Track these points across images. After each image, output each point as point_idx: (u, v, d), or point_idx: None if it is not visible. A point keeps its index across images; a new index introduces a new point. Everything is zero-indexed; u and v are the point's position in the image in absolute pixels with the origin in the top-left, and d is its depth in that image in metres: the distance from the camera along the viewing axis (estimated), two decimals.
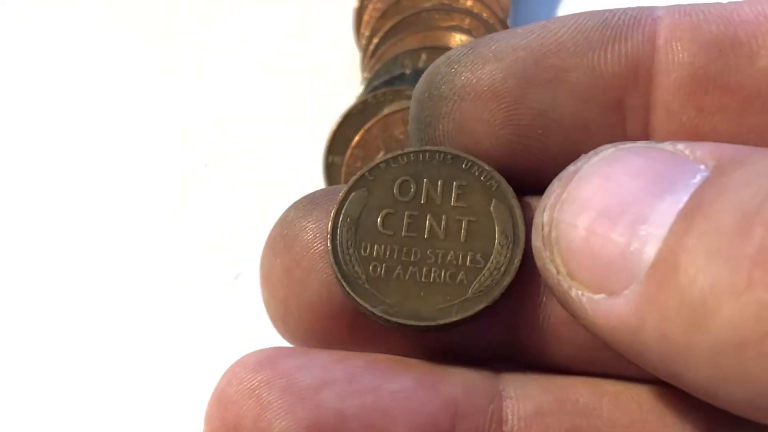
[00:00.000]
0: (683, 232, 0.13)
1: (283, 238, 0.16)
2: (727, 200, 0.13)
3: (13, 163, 0.38)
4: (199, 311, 0.33)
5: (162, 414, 0.32)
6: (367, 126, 0.33)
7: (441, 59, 0.17)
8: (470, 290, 0.16)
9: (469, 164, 0.17)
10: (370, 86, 0.35)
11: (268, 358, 0.15)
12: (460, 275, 0.16)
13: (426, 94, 0.17)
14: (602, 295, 0.14)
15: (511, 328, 0.16)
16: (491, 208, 0.16)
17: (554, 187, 0.15)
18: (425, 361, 0.16)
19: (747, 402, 0.12)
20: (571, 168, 0.15)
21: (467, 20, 0.36)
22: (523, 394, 0.16)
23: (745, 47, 0.16)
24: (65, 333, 0.34)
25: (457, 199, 0.17)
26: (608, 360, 0.16)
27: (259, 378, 0.15)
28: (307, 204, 0.17)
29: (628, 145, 0.15)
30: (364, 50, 0.36)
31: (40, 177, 0.37)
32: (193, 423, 0.31)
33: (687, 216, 0.13)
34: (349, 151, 0.33)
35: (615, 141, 0.16)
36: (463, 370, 0.16)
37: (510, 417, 0.16)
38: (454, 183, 0.17)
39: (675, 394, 0.15)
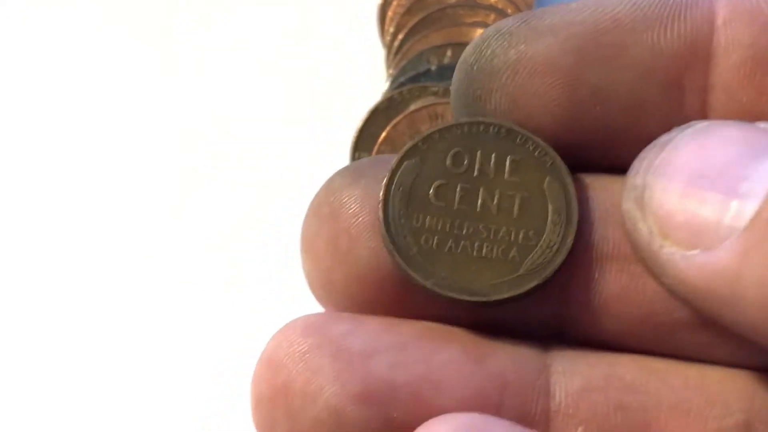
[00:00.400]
0: None
1: (329, 206, 0.16)
2: None
3: (14, 161, 0.38)
4: (216, 308, 0.34)
5: (163, 409, 0.32)
6: (393, 122, 0.34)
7: (489, 31, 0.16)
8: (522, 267, 0.16)
9: (524, 139, 0.16)
10: (396, 83, 0.35)
11: (317, 322, 0.15)
12: (513, 252, 0.16)
13: (475, 67, 0.16)
14: (697, 251, 0.14)
15: (562, 303, 0.16)
16: (545, 185, 0.16)
17: (647, 153, 0.15)
18: (474, 333, 0.16)
19: None
20: (663, 137, 0.15)
21: (492, 16, 0.37)
22: (570, 370, 0.16)
23: None
24: (70, 325, 0.34)
25: (510, 173, 0.16)
26: (659, 338, 0.16)
27: (310, 342, 0.15)
28: (354, 171, 0.17)
29: (720, 121, 0.15)
30: (388, 47, 0.36)
31: (41, 177, 0.37)
32: (196, 422, 0.31)
33: None
34: (375, 148, 0.34)
35: (672, 120, 0.16)
36: (512, 344, 0.16)
37: (557, 392, 0.16)
38: (508, 157, 0.16)
39: (720, 374, 0.16)
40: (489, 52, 0.16)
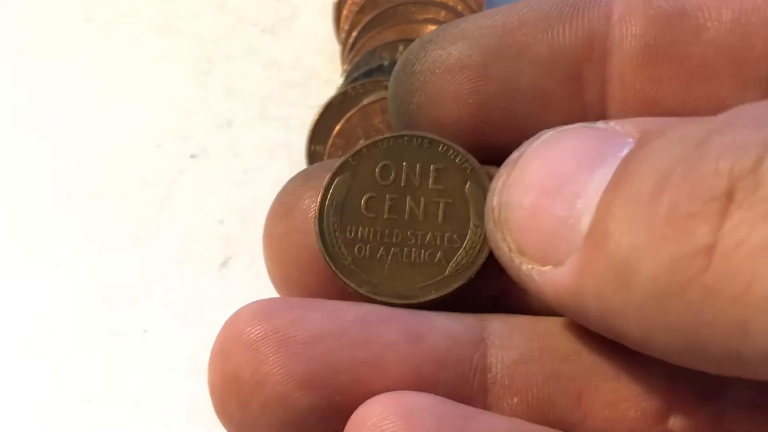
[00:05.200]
0: (610, 201, 0.14)
1: (282, 206, 0.18)
2: (646, 167, 0.14)
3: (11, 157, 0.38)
4: (190, 296, 0.34)
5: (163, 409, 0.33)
6: (347, 116, 0.34)
7: (416, 41, 0.18)
8: (448, 269, 0.17)
9: (445, 148, 0.17)
10: (350, 78, 0.36)
11: (265, 310, 0.16)
12: (439, 255, 0.17)
13: (401, 72, 0.18)
14: (549, 267, 0.15)
15: (496, 278, 0.17)
16: (466, 190, 0.17)
17: (501, 173, 0.16)
18: (413, 313, 0.17)
19: (677, 349, 0.13)
20: (514, 154, 0.16)
21: (442, 13, 0.37)
22: (507, 343, 0.16)
23: (692, 20, 0.16)
24: (53, 320, 0.34)
25: (435, 181, 0.17)
26: None
27: (256, 332, 0.16)
28: (305, 175, 0.18)
29: (566, 127, 0.16)
30: (343, 44, 0.37)
31: (39, 172, 0.38)
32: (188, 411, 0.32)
33: (614, 186, 0.14)
34: (330, 140, 0.34)
35: (574, 110, 0.17)
36: (449, 321, 0.17)
37: (494, 365, 0.16)
38: (431, 166, 0.17)
39: None
40: (412, 58, 0.17)
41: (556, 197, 0.15)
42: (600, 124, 0.16)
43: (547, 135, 0.16)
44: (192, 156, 0.37)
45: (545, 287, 0.15)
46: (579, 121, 0.17)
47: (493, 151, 0.18)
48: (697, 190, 0.13)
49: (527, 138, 0.17)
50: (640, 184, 0.13)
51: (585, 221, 0.14)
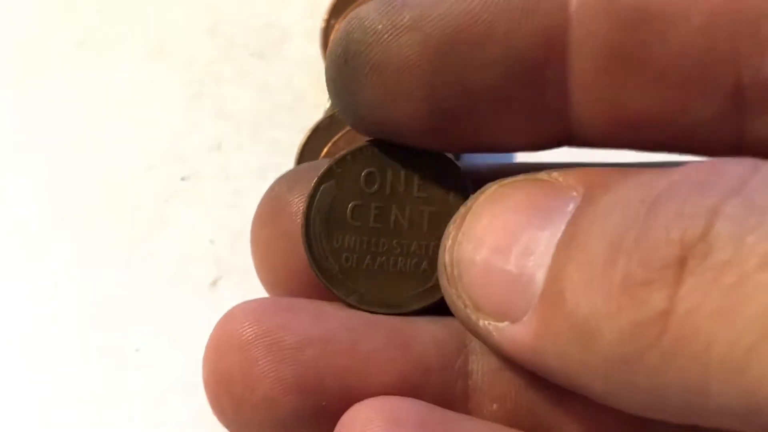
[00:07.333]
0: (564, 262, 0.14)
1: (270, 211, 0.18)
2: (596, 230, 0.14)
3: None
4: (180, 316, 0.35)
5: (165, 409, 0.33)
6: (334, 139, 0.34)
7: (354, 23, 0.16)
8: (433, 278, 0.17)
9: (429, 155, 0.17)
10: None
11: (254, 312, 0.16)
12: (424, 264, 0.17)
13: (342, 59, 0.16)
14: (506, 323, 0.15)
15: None
16: (450, 198, 0.17)
17: (450, 230, 0.16)
18: (398, 318, 0.17)
19: (642, 405, 0.14)
20: (461, 210, 0.16)
21: None
22: (488, 350, 0.17)
23: (656, 23, 0.15)
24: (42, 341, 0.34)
25: (419, 189, 0.17)
26: None
27: (248, 333, 0.16)
28: (292, 178, 0.18)
29: (508, 180, 0.16)
30: None
31: (32, 195, 0.38)
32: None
33: (565, 246, 0.14)
34: None
35: (536, 113, 0.16)
36: (435, 326, 0.17)
37: (476, 371, 0.17)
38: (416, 174, 0.17)
39: None
40: (353, 48, 0.16)
41: (507, 254, 0.15)
42: (543, 175, 0.15)
43: (492, 189, 0.16)
44: (183, 178, 0.38)
45: (504, 343, 0.15)
46: (542, 124, 0.16)
47: (455, 145, 0.17)
48: (650, 258, 0.13)
49: (492, 135, 0.16)
50: (593, 247, 0.14)
51: (539, 277, 0.14)
